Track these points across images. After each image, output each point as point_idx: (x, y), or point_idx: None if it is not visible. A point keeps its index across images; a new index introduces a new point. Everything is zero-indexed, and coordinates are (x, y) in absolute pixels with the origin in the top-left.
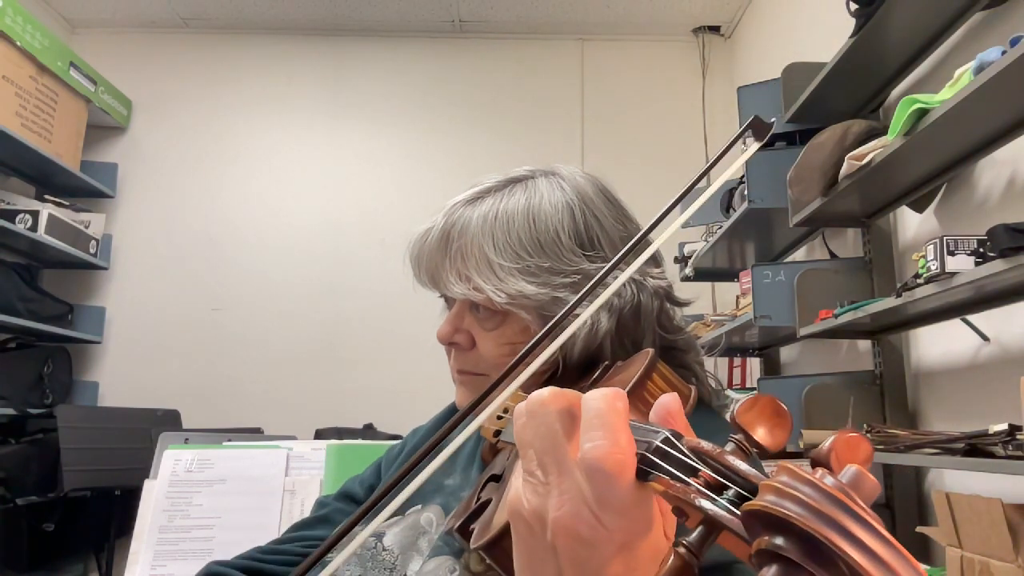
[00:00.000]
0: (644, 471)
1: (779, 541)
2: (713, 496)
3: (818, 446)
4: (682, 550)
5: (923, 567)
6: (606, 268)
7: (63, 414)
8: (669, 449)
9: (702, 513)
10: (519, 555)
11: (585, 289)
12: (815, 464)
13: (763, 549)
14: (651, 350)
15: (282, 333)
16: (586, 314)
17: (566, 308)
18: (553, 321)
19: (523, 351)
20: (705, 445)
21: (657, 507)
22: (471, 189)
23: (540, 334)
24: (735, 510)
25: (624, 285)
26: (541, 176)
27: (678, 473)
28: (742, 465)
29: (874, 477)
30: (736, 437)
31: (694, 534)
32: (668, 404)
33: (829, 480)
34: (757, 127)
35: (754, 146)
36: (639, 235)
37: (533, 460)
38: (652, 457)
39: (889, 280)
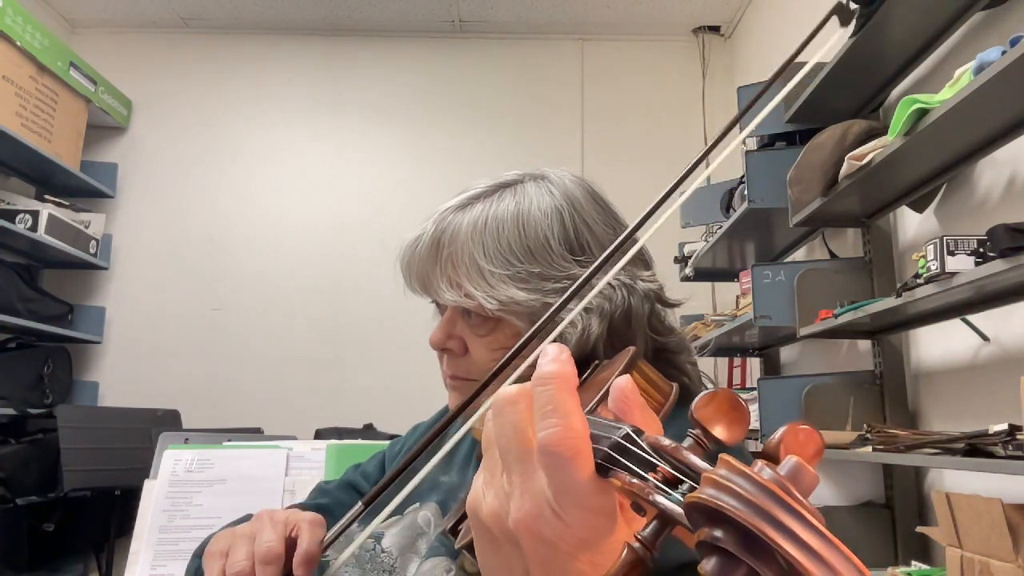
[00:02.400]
0: (604, 467)
1: (717, 533)
2: (668, 491)
3: (767, 440)
4: (636, 544)
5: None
6: (595, 264)
7: (63, 414)
8: (629, 445)
9: (656, 507)
10: (483, 557)
11: (574, 287)
12: (763, 456)
13: (703, 540)
14: (632, 348)
15: (282, 333)
16: (572, 314)
17: (552, 308)
18: (540, 322)
19: (509, 353)
20: (664, 441)
21: (621, 508)
22: (461, 195)
23: (526, 335)
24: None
25: (614, 289)
26: (530, 181)
27: (636, 469)
28: (696, 460)
29: (814, 470)
30: (694, 432)
31: (648, 528)
32: (622, 385)
33: (766, 473)
34: (841, 11)
35: (840, 31)
36: (630, 228)
37: (496, 460)
38: (612, 453)
39: (889, 280)
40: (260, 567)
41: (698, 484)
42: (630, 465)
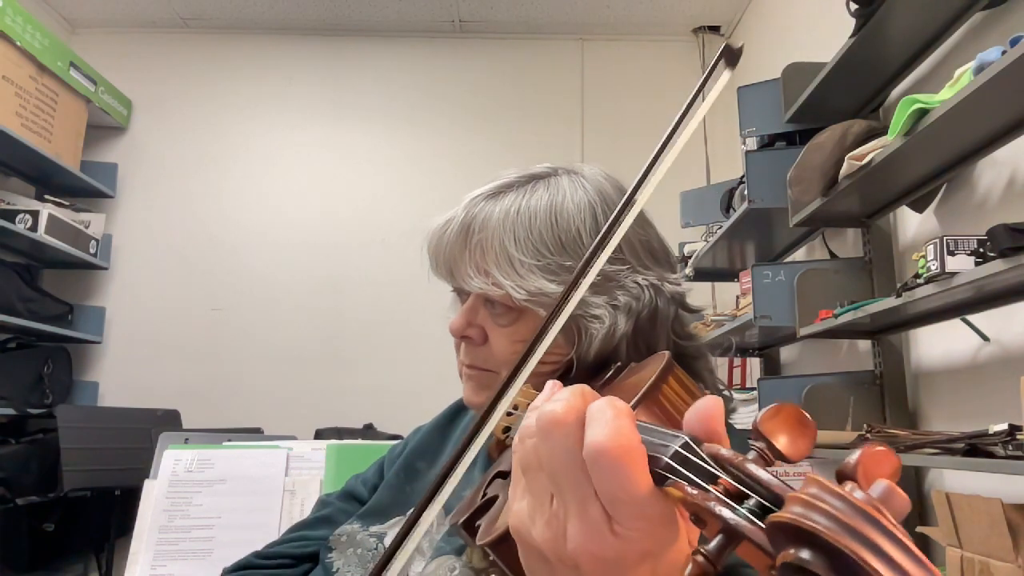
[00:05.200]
0: (662, 476)
1: (805, 555)
2: (734, 505)
3: (844, 460)
4: (700, 559)
5: None
6: (596, 241)
7: (63, 414)
8: (688, 454)
9: (721, 522)
10: (532, 573)
11: (579, 267)
12: (842, 478)
13: (788, 563)
14: (667, 353)
15: (282, 333)
16: (575, 297)
17: (561, 293)
18: (552, 311)
19: (527, 347)
20: (725, 452)
21: (682, 518)
22: (492, 183)
23: (544, 321)
24: (756, 520)
25: (643, 289)
26: (564, 174)
27: (697, 479)
28: (764, 474)
29: (905, 496)
30: (758, 445)
31: (713, 543)
32: (710, 410)
33: (859, 494)
34: (728, 54)
35: (726, 74)
36: (624, 198)
37: (543, 484)
38: (670, 462)
39: (889, 280)
40: None
41: (766, 499)
42: (690, 475)
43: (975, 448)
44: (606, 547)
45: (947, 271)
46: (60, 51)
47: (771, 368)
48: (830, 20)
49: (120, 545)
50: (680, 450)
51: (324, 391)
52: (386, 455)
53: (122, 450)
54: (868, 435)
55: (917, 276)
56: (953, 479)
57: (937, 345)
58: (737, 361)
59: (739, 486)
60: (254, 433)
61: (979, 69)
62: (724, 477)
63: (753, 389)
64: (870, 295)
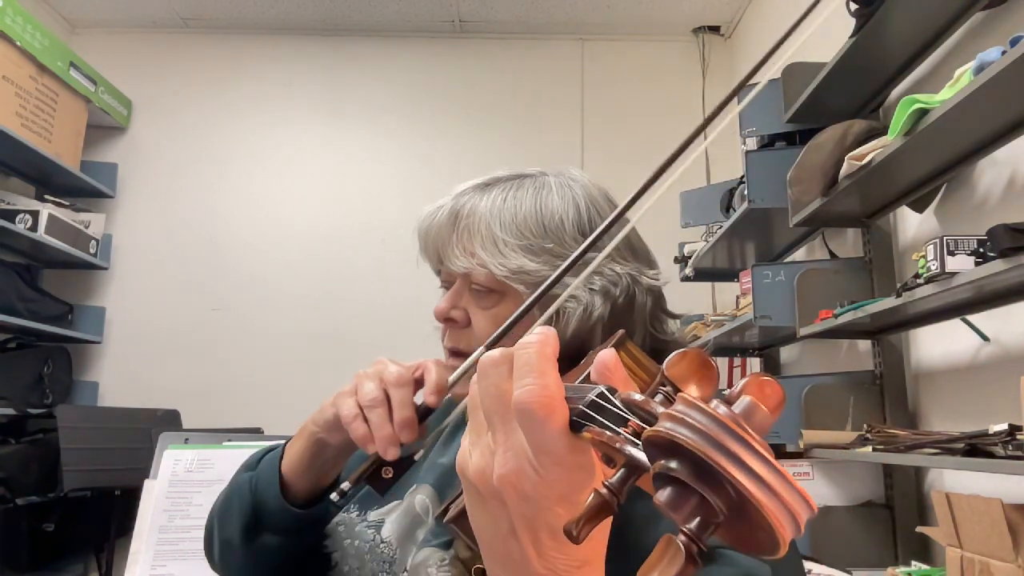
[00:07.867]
0: (578, 423)
1: (672, 464)
2: (636, 441)
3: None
4: (603, 490)
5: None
6: (595, 232)
7: (63, 414)
8: (602, 402)
9: (624, 456)
10: (472, 514)
11: (576, 252)
12: (725, 401)
13: (659, 472)
14: (623, 330)
15: (282, 333)
16: (572, 286)
17: (553, 276)
18: (542, 287)
19: (510, 320)
20: (636, 397)
21: (598, 462)
22: (481, 178)
23: (528, 300)
24: None
25: (620, 276)
26: (552, 175)
27: (608, 423)
28: (663, 410)
29: (768, 410)
30: (664, 389)
31: (615, 476)
32: (604, 358)
33: (721, 409)
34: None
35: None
36: (635, 193)
37: (481, 421)
38: (586, 410)
39: (889, 280)
40: (393, 390)
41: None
42: (603, 420)
43: (975, 448)
44: (525, 481)
45: (947, 271)
46: (60, 51)
47: (771, 368)
48: (830, 20)
49: (120, 545)
50: (595, 399)
51: (324, 391)
52: None
53: (122, 450)
54: (868, 435)
55: (917, 276)
56: (953, 479)
57: (937, 345)
58: (737, 361)
59: (644, 425)
60: (254, 433)
61: (979, 69)
62: (633, 419)
63: None
64: (870, 295)
